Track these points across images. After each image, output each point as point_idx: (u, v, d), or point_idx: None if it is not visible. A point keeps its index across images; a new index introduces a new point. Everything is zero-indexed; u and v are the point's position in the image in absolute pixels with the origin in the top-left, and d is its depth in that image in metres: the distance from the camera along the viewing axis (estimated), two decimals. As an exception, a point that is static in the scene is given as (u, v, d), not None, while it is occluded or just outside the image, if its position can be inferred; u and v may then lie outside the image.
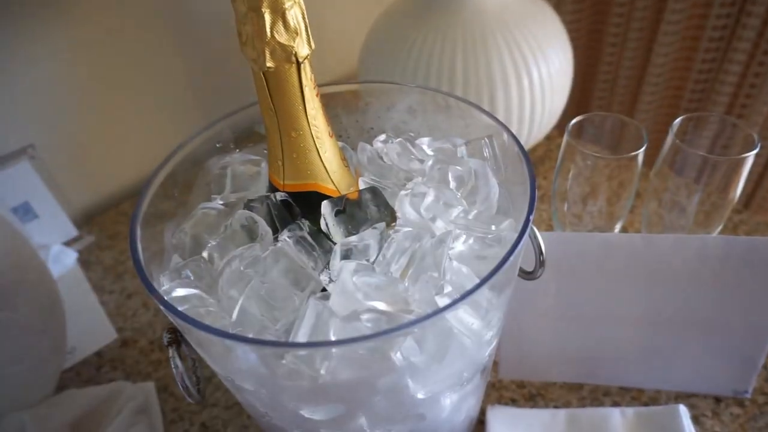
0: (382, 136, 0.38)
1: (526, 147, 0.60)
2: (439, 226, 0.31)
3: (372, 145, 0.38)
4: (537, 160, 0.70)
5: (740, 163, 0.37)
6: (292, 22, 0.26)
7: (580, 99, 1.19)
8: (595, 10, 1.06)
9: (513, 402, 0.48)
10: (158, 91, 0.70)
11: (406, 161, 0.36)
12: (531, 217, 0.27)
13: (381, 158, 0.37)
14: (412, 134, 0.38)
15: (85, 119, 0.66)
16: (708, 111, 0.97)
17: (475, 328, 0.27)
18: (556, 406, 0.47)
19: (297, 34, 0.27)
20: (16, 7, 0.56)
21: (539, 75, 0.55)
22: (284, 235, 0.30)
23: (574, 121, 0.41)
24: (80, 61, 0.63)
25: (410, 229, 0.30)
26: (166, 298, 0.27)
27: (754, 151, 0.36)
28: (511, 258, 0.25)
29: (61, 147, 0.65)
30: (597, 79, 1.10)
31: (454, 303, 0.24)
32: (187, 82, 0.71)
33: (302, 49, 0.27)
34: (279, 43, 0.26)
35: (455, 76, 0.53)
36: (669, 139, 0.39)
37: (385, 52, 0.58)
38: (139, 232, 0.29)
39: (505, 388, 0.49)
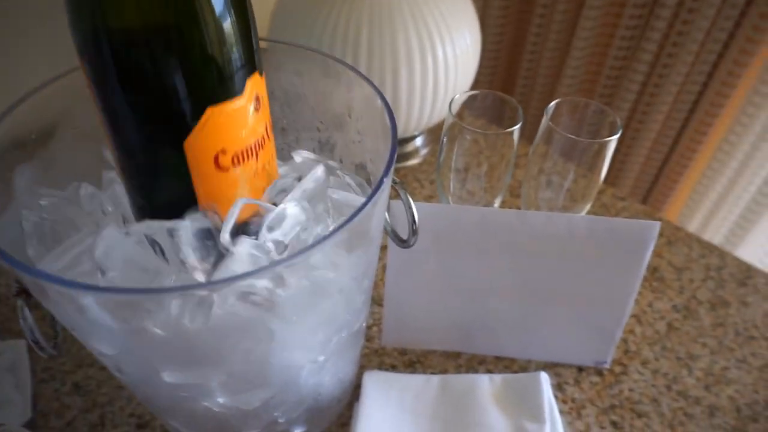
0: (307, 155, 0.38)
1: (430, 123, 0.62)
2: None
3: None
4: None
5: (605, 146, 0.40)
6: None
7: (504, 84, 1.23)
8: (521, 8, 1.09)
9: (393, 368, 0.49)
10: (47, 32, 0.65)
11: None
12: (386, 179, 0.28)
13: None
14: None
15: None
16: (620, 98, 1.02)
17: (330, 279, 0.28)
18: (433, 373, 0.49)
19: None
20: None
21: (444, 54, 0.56)
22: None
23: (457, 98, 0.42)
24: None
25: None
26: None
27: (616, 136, 0.39)
28: (360, 215, 0.26)
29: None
30: (522, 60, 1.13)
31: (309, 248, 0.25)
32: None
33: None
34: None
35: (360, 47, 0.53)
36: (544, 122, 0.41)
37: (294, 16, 0.57)
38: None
39: (387, 354, 0.50)
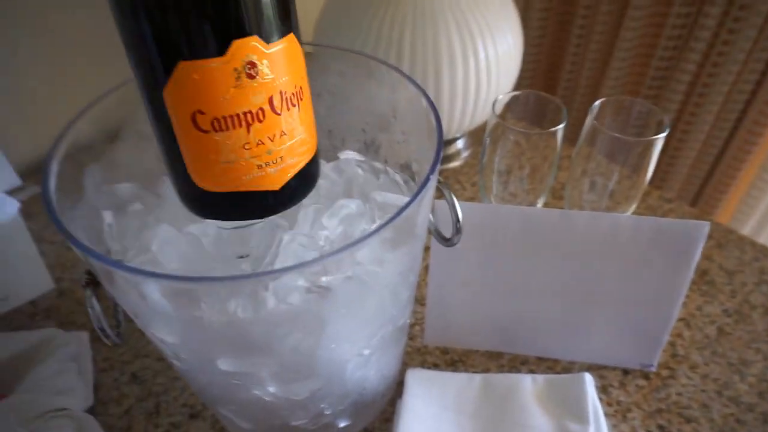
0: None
1: (472, 125, 0.62)
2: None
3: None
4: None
5: (651, 145, 0.39)
6: None
7: (546, 83, 1.21)
8: (564, 2, 1.08)
9: (435, 366, 0.50)
10: (113, 42, 0.69)
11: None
12: (432, 177, 0.29)
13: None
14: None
15: (33, 68, 0.65)
16: (666, 98, 0.99)
17: (377, 273, 0.29)
18: (475, 372, 0.49)
19: None
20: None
21: (486, 56, 0.57)
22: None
23: (501, 98, 0.43)
24: (31, 4, 0.62)
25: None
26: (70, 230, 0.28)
27: (663, 134, 0.39)
28: (408, 210, 0.27)
29: (7, 96, 0.65)
30: (564, 61, 1.12)
31: (355, 243, 0.26)
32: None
33: None
34: None
35: (403, 49, 0.55)
36: (588, 121, 0.41)
37: (339, 19, 0.58)
38: (55, 165, 0.30)
39: (429, 353, 0.51)
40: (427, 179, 0.28)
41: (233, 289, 0.28)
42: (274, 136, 0.28)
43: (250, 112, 0.27)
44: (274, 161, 0.29)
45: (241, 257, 0.31)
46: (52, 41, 0.65)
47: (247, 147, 0.28)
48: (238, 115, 0.26)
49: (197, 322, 0.28)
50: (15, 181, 0.64)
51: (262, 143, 0.28)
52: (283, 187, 0.30)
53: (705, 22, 0.88)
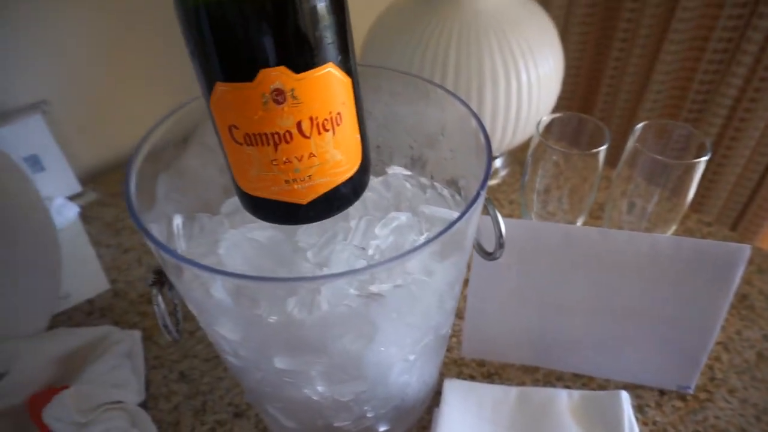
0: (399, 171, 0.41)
1: (513, 144, 0.64)
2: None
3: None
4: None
5: (692, 167, 0.40)
6: None
7: (583, 105, 1.22)
8: (604, 25, 1.09)
9: (472, 378, 0.51)
10: (173, 52, 0.73)
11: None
12: (482, 192, 0.30)
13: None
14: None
15: (98, 78, 0.69)
16: (706, 122, 0.99)
17: (426, 282, 0.31)
18: (511, 385, 0.50)
19: None
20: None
21: (528, 77, 0.58)
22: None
23: (544, 119, 0.44)
24: (96, 19, 0.66)
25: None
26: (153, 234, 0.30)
27: (705, 158, 0.39)
28: (458, 224, 0.28)
29: (73, 105, 0.69)
30: (602, 84, 1.13)
31: (406, 252, 0.27)
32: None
33: None
34: None
35: (447, 70, 0.57)
36: (629, 143, 0.42)
37: (386, 41, 0.61)
38: (135, 169, 0.32)
39: (466, 365, 0.52)
40: (478, 195, 0.30)
41: (287, 289, 0.30)
42: (302, 156, 0.29)
43: (278, 133, 0.28)
44: (302, 179, 0.30)
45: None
46: (117, 60, 0.70)
47: (274, 163, 0.29)
48: (266, 135, 0.28)
49: (257, 320, 0.30)
50: (75, 187, 0.68)
51: (290, 162, 0.29)
52: (313, 202, 0.31)
53: (747, 48, 0.88)
